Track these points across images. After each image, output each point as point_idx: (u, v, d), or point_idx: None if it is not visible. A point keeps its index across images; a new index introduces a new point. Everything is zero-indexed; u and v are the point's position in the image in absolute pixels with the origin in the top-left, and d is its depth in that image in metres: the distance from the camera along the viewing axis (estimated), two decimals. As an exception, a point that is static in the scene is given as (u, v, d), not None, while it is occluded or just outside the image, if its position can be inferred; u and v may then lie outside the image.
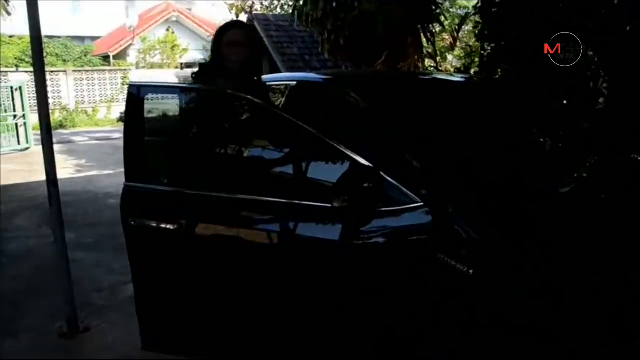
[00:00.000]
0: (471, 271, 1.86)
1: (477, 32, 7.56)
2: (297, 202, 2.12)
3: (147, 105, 2.43)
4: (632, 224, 2.14)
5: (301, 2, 6.89)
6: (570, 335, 1.77)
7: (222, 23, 2.84)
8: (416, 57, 6.81)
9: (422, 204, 1.93)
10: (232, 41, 2.61)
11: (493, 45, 6.14)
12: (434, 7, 6.24)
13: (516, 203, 2.16)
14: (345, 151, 2.01)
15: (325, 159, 2.12)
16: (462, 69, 8.03)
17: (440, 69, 7.37)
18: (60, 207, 3.35)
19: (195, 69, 2.89)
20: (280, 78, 3.52)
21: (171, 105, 2.57)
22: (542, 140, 3.21)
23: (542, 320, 1.78)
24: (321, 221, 2.10)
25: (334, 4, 6.44)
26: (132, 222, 2.42)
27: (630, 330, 1.77)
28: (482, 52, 6.07)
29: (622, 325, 1.79)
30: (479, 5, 6.43)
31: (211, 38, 2.87)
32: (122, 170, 2.38)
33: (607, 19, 5.23)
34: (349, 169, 1.98)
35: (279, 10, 12.84)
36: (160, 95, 2.59)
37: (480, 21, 6.80)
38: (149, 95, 2.45)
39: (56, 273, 3.43)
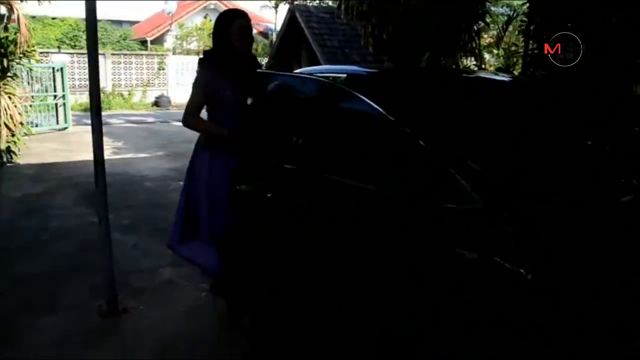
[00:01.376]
0: (529, 276, 1.84)
1: (521, 29, 7.41)
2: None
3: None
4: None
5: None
6: (570, 335, 1.75)
7: (227, 9, 3.16)
8: (460, 55, 6.72)
9: (484, 205, 1.90)
10: (244, 26, 2.91)
11: (538, 44, 6.01)
12: (480, 6, 6.12)
13: (573, 209, 2.11)
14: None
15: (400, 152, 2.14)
16: (504, 68, 7.87)
17: (484, 67, 7.25)
18: (106, 189, 3.38)
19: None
20: (329, 70, 3.49)
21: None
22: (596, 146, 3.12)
23: (542, 320, 1.76)
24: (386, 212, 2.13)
25: (380, -1, 6.36)
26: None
27: (630, 330, 1.75)
28: (529, 51, 5.94)
29: (622, 325, 1.76)
30: (528, 3, 6.31)
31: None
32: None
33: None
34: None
35: (317, 1, 12.78)
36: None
37: (527, 19, 6.65)
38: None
39: (97, 253, 3.48)
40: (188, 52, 20.90)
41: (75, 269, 4.04)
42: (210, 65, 2.96)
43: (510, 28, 9.68)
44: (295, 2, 11.55)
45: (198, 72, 3.13)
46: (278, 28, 16.58)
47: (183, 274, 3.90)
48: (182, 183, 7.76)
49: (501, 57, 10.16)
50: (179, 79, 19.68)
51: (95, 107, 3.18)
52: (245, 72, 2.99)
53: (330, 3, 12.68)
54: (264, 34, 20.36)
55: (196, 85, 2.98)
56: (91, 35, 3.13)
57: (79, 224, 5.15)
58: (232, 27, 2.88)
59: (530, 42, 6.56)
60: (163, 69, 19.37)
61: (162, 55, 19.75)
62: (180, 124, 3.20)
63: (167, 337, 3.10)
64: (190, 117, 2.96)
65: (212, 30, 3.13)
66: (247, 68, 3.02)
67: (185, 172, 3.18)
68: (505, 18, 9.42)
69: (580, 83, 5.15)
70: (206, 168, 2.97)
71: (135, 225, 5.19)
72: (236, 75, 2.93)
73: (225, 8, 21.46)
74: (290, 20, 9.61)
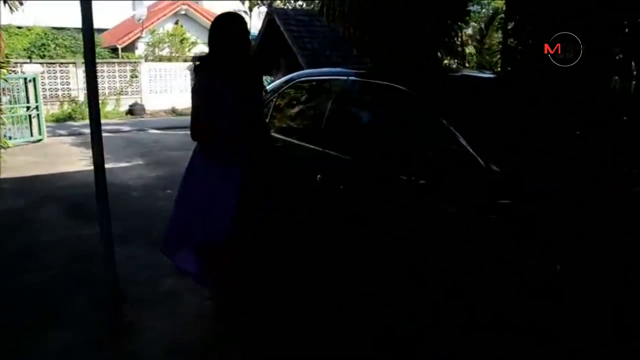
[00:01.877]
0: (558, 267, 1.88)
1: (499, 27, 7.58)
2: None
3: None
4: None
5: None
6: (570, 335, 1.78)
7: (223, 13, 3.07)
8: (442, 54, 6.82)
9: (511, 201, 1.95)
10: (241, 29, 2.88)
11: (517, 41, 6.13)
12: (462, 5, 6.23)
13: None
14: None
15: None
16: (486, 65, 8.00)
17: (466, 66, 7.38)
18: (107, 199, 3.32)
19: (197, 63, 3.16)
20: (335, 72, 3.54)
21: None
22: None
23: (542, 320, 1.80)
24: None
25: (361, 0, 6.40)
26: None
27: (630, 330, 1.77)
28: (511, 45, 6.05)
29: (622, 325, 1.78)
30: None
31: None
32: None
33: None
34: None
35: (291, 3, 12.76)
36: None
37: (504, 17, 6.78)
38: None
39: (92, 265, 3.42)
40: (160, 59, 20.64)
41: (73, 282, 3.95)
42: (208, 71, 2.93)
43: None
44: (274, 3, 11.50)
45: (195, 80, 3.11)
46: (252, 32, 16.53)
47: (184, 284, 3.83)
48: (169, 191, 7.67)
49: (474, 56, 10.36)
50: (153, 86, 19.46)
51: (94, 117, 3.12)
52: (245, 75, 2.95)
53: (304, 5, 12.70)
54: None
55: (195, 93, 2.94)
56: (88, 41, 3.06)
57: (69, 237, 5.05)
58: (229, 30, 2.85)
59: (509, 39, 6.70)
60: (136, 77, 19.10)
61: (135, 62, 19.46)
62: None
63: (175, 349, 3.05)
64: (194, 129, 2.92)
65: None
66: (246, 71, 2.98)
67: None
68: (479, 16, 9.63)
69: (561, 77, 5.28)
70: (200, 174, 2.95)
71: (127, 236, 5.08)
72: (235, 79, 2.87)
73: (195, 13, 21.14)
74: (269, 24, 9.57)
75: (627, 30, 5.65)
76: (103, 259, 3.30)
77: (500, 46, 7.34)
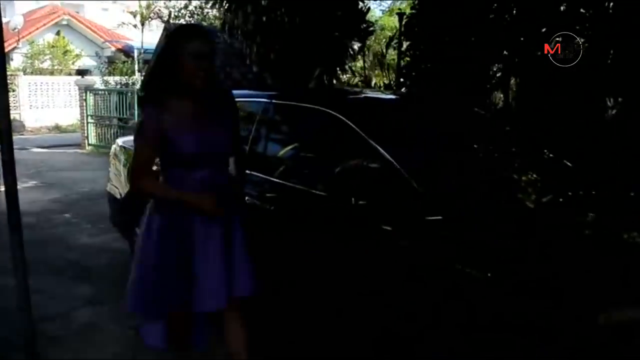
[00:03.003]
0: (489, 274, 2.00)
1: (395, 46, 8.10)
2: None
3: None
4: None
5: (230, 15, 6.88)
6: (570, 335, 1.78)
7: (180, 26, 2.45)
8: (345, 74, 7.12)
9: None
10: (200, 53, 2.16)
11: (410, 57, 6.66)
12: (364, 26, 6.56)
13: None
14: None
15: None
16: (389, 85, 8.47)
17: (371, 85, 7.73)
18: (21, 227, 3.12)
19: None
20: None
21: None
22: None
23: (542, 320, 1.81)
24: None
25: (264, 18, 6.51)
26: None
27: (630, 330, 1.79)
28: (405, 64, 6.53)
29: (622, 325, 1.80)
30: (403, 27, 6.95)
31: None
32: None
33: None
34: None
35: (188, 18, 12.56)
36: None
37: (398, 38, 7.29)
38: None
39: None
40: (41, 72, 19.30)
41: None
42: (159, 102, 2.22)
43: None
44: (172, 22, 11.25)
45: (142, 115, 2.38)
46: (143, 47, 15.98)
47: (104, 315, 3.69)
48: (67, 216, 7.20)
49: (364, 72, 10.92)
50: (33, 101, 18.20)
51: (6, 138, 2.89)
52: (209, 106, 2.28)
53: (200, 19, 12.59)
54: (125, 52, 19.46)
55: (141, 135, 2.26)
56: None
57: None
58: (185, 51, 2.15)
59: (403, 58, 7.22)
60: (13, 91, 17.66)
61: (11, 75, 17.97)
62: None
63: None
64: (140, 180, 2.32)
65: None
66: (211, 101, 2.29)
67: None
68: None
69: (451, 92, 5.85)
70: (155, 237, 2.30)
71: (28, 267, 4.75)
72: (196, 112, 2.24)
73: (78, 24, 19.87)
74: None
75: (505, 52, 6.38)
76: (17, 296, 3.09)
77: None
